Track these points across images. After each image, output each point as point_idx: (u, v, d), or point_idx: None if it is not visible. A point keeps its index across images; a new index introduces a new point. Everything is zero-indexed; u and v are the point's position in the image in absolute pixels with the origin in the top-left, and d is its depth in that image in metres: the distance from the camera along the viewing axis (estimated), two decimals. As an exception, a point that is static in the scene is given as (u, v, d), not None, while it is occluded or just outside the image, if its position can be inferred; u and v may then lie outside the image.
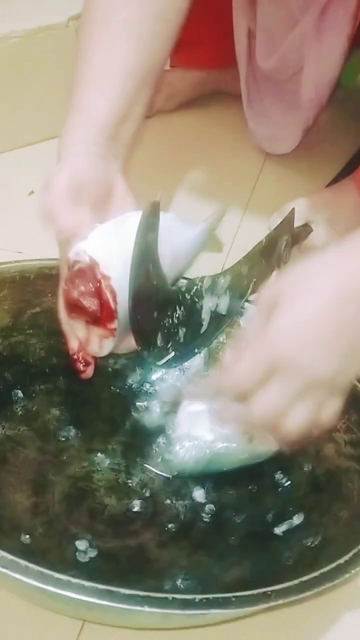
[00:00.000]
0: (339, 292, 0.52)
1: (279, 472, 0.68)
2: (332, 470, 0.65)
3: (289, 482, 0.67)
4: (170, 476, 0.68)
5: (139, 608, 0.47)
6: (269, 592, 0.49)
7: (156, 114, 1.25)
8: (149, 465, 0.69)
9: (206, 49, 1.21)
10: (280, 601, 0.49)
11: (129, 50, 0.71)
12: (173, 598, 0.48)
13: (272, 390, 0.54)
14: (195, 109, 1.28)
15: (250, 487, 0.68)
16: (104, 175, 0.66)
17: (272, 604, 0.49)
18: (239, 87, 1.16)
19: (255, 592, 0.49)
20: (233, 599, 0.48)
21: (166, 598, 0.47)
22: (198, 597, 0.48)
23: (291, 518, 0.63)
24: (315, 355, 0.53)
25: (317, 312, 0.52)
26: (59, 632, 0.59)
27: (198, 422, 0.67)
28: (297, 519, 0.63)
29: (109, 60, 0.71)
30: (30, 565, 0.47)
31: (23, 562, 0.47)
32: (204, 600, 0.48)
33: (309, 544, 0.60)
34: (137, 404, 0.73)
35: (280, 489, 0.67)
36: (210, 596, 0.48)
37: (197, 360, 0.74)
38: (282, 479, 0.67)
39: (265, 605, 0.49)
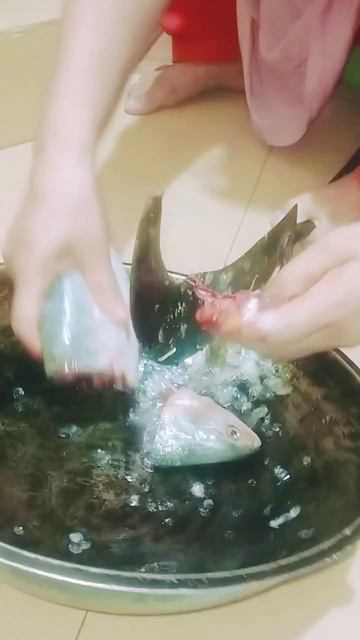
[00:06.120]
0: None
1: (278, 466, 0.67)
2: (330, 463, 0.64)
3: (288, 476, 0.66)
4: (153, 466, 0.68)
5: (107, 587, 0.46)
6: (243, 575, 0.48)
7: (158, 109, 1.25)
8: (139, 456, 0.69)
9: (209, 43, 1.21)
10: (255, 583, 0.48)
11: (125, 37, 0.70)
12: (143, 578, 0.47)
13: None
14: (197, 105, 1.28)
15: (250, 482, 0.67)
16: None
17: (245, 585, 0.48)
18: (241, 82, 1.15)
19: (228, 573, 0.48)
20: (205, 580, 0.47)
21: (135, 578, 0.47)
22: (169, 577, 0.47)
23: (288, 511, 0.63)
24: None
25: None
26: (61, 624, 0.59)
27: (183, 415, 0.67)
28: (293, 512, 0.62)
29: (107, 45, 0.69)
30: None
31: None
32: (175, 581, 0.47)
33: (303, 535, 0.58)
34: (138, 400, 0.73)
35: (279, 483, 0.66)
36: (181, 576, 0.47)
37: (198, 357, 0.74)
38: (281, 472, 0.67)
39: (239, 587, 0.48)
